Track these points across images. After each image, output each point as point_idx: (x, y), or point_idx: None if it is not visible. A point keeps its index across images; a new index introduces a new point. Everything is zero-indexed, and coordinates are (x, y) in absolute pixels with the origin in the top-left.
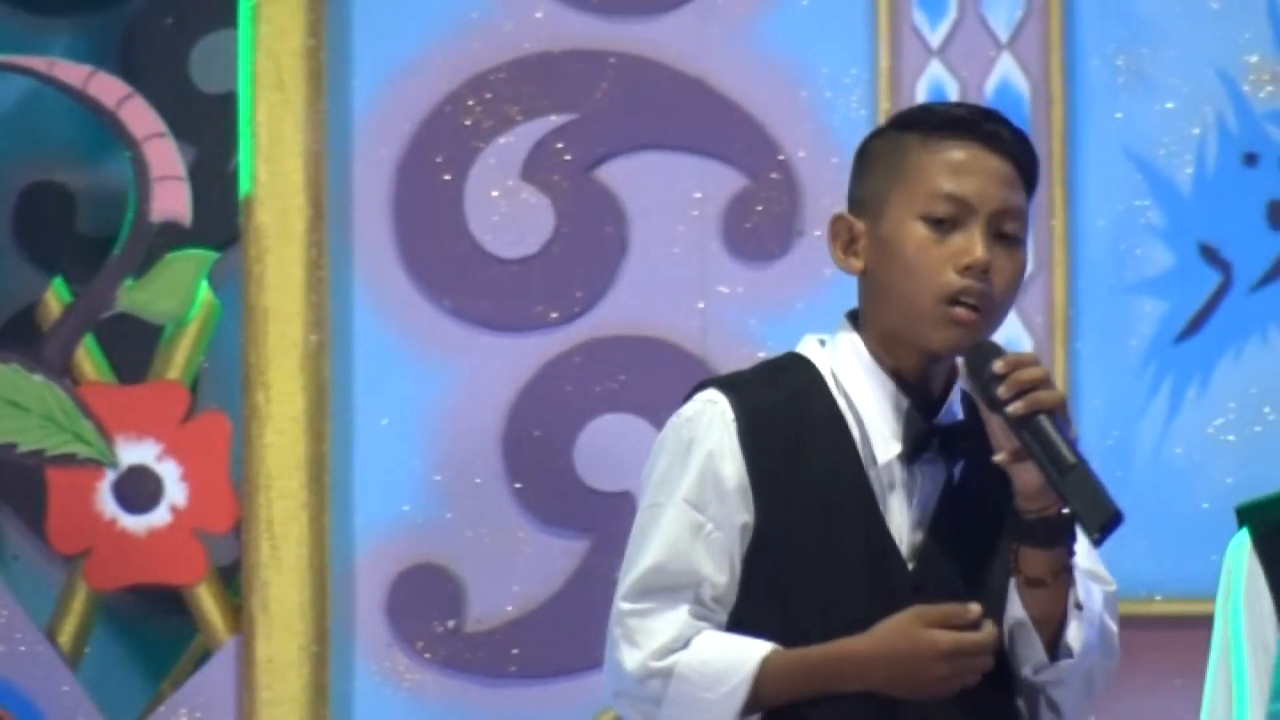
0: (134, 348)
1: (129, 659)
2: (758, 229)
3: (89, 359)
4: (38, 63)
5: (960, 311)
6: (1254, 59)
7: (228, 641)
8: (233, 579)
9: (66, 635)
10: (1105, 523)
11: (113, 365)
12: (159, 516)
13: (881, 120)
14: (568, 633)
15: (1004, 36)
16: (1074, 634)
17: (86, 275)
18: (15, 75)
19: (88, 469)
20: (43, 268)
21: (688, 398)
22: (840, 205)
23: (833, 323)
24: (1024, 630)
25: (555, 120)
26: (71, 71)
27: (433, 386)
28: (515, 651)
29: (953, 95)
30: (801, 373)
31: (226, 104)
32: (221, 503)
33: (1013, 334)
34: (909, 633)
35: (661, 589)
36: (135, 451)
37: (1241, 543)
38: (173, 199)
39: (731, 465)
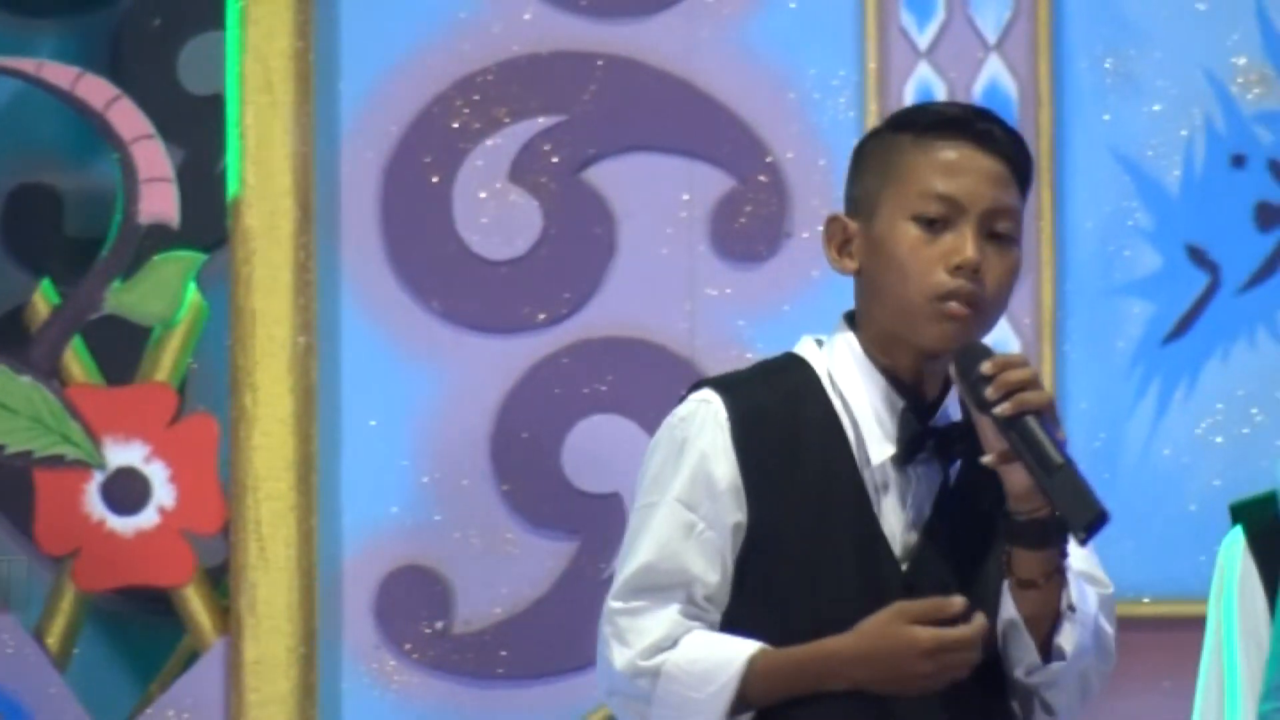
0: (122, 349)
1: (117, 660)
2: (746, 230)
3: (77, 360)
4: (26, 64)
5: (953, 306)
6: (1242, 61)
7: (216, 643)
8: (221, 580)
9: (54, 636)
10: (1091, 522)
11: (101, 367)
12: (147, 518)
13: (869, 122)
14: (556, 634)
15: (992, 38)
16: (1066, 636)
17: (74, 277)
18: (3, 77)
19: (76, 470)
20: (30, 269)
21: (684, 397)
22: (828, 207)
23: (820, 324)
24: (1016, 631)
25: (543, 122)
26: (60, 73)
27: (421, 388)
28: (503, 653)
29: (941, 97)
30: (797, 373)
31: (215, 106)
32: (209, 504)
33: (1001, 335)
34: (890, 630)
35: (652, 588)
36: (123, 453)
37: (1235, 540)
38: (161, 201)
39: (724, 465)
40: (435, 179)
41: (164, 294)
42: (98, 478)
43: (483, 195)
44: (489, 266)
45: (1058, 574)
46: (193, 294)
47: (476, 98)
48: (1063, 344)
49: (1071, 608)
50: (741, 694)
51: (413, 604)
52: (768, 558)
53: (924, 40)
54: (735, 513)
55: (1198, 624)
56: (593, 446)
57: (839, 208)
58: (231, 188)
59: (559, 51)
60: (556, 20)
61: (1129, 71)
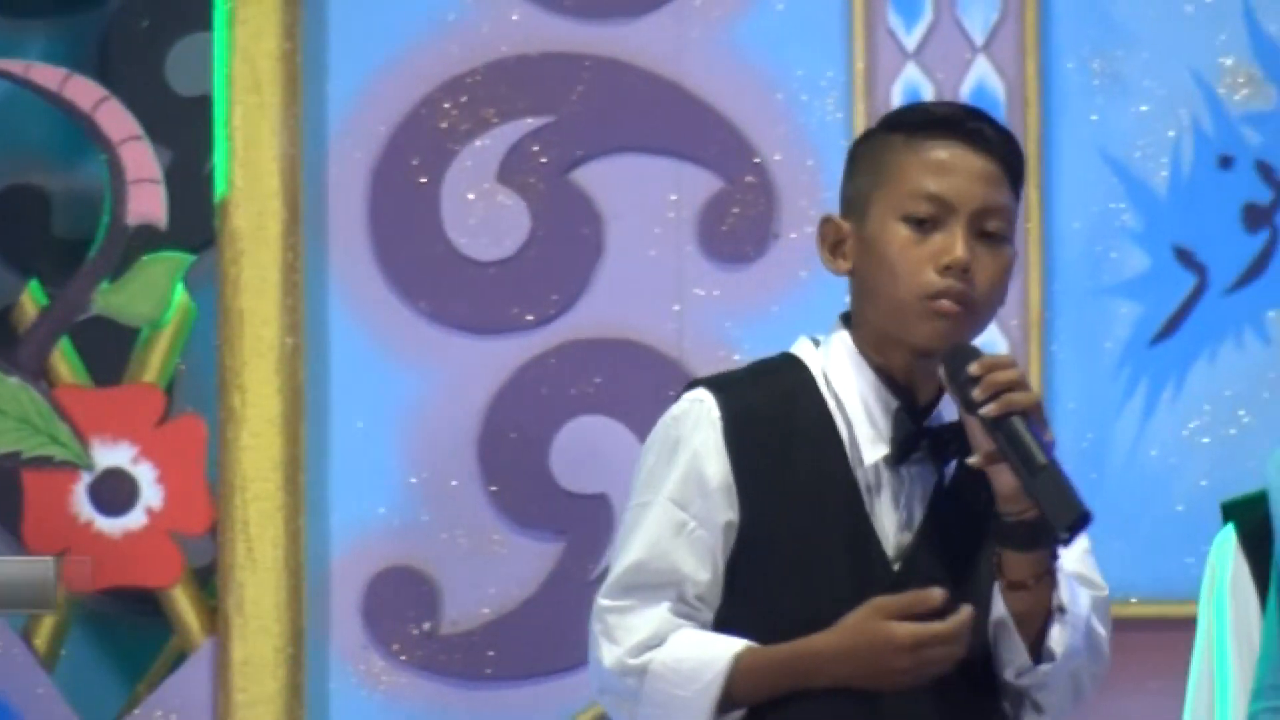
0: (110, 350)
1: (105, 661)
2: (733, 232)
3: (65, 361)
4: (13, 65)
5: (943, 304)
6: (1229, 61)
7: (203, 643)
8: (208, 581)
9: (42, 637)
10: (1073, 523)
11: (88, 368)
12: (135, 519)
13: (857, 123)
14: (543, 635)
15: (979, 39)
16: (1056, 637)
17: (62, 278)
18: None
19: (64, 471)
20: (18, 270)
21: (678, 397)
22: (816, 208)
23: (808, 325)
24: (1007, 633)
25: (531, 123)
26: (47, 74)
27: (408, 389)
28: (491, 653)
29: (928, 97)
30: (792, 373)
31: (202, 107)
32: (197, 505)
33: (989, 336)
34: (867, 626)
35: (642, 586)
36: (111, 454)
37: (1227, 539)
38: (148, 202)
39: (716, 464)
40: (423, 180)
41: (152, 295)
42: (85, 478)
43: (471, 196)
44: (477, 267)
45: (1048, 575)
46: (180, 295)
47: (464, 99)
48: (1050, 344)
49: (1062, 609)
50: (727, 692)
51: (400, 604)
52: (759, 557)
53: (911, 41)
54: (727, 511)
55: (1185, 624)
56: (580, 447)
57: (827, 209)
58: (219, 188)
59: (547, 53)
60: (544, 21)
61: (1116, 72)
